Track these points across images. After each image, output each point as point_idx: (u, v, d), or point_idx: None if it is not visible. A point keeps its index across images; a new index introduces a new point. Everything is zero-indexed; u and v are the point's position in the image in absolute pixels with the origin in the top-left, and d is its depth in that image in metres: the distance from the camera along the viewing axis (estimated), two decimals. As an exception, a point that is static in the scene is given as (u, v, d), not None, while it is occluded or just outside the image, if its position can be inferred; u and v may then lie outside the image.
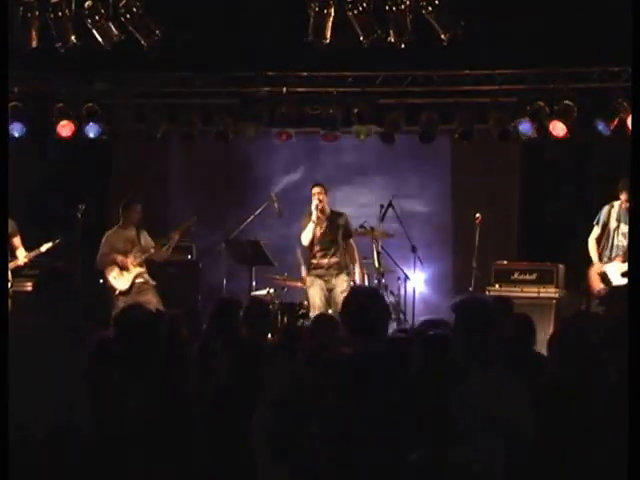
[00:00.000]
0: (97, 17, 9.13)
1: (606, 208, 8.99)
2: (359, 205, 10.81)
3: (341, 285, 9.51)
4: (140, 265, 9.74)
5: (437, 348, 4.29)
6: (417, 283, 10.19)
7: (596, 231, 8.96)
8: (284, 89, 10.61)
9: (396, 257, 10.09)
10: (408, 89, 10.52)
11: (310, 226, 9.51)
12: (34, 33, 9.23)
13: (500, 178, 11.36)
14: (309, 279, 9.69)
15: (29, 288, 8.23)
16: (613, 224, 8.90)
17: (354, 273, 9.72)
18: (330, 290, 9.53)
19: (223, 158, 11.83)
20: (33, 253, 9.49)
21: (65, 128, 10.61)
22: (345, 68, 10.42)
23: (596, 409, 4.30)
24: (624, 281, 8.71)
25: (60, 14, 9.18)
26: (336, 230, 9.62)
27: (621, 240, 8.84)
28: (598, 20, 9.21)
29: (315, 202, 9.52)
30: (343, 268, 9.61)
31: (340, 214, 9.73)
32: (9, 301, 8.62)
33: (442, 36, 9.03)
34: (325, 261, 9.58)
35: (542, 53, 9.83)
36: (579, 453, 4.17)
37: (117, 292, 9.67)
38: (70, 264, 9.48)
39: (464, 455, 3.83)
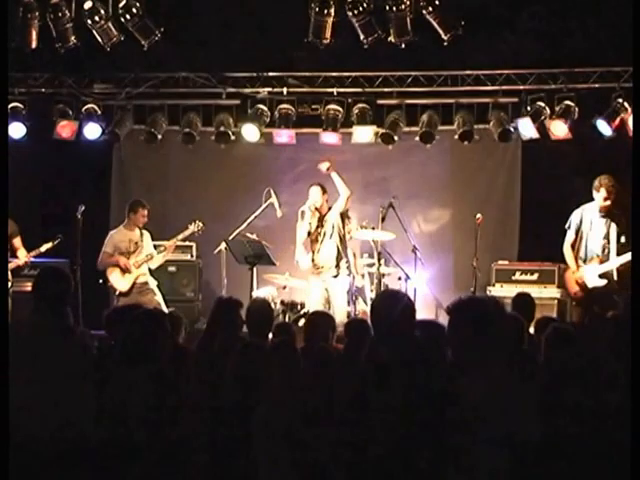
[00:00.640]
0: (97, 17, 9.14)
1: (577, 212, 8.94)
2: (359, 205, 10.79)
3: (339, 285, 9.54)
4: (142, 266, 9.75)
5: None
6: (418, 283, 10.18)
7: (570, 236, 8.91)
8: (284, 89, 10.61)
9: (397, 257, 10.09)
10: (408, 89, 10.52)
11: (305, 225, 9.51)
12: (34, 33, 9.24)
13: (500, 178, 11.36)
14: (309, 277, 9.70)
15: (29, 288, 8.22)
16: (586, 227, 8.85)
17: (352, 273, 9.76)
18: (328, 290, 9.53)
19: (223, 158, 11.81)
20: (33, 253, 9.50)
21: (65, 128, 10.61)
22: (345, 68, 10.42)
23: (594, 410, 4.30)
24: (601, 282, 8.70)
25: (60, 14, 9.19)
26: (332, 228, 9.64)
27: (595, 242, 8.81)
28: (598, 20, 9.22)
29: (311, 200, 9.53)
30: (341, 267, 9.63)
31: (332, 210, 9.71)
32: (9, 301, 8.69)
33: (442, 36, 9.03)
34: (322, 259, 9.59)
35: (542, 53, 9.84)
36: (581, 453, 4.17)
37: (117, 292, 9.68)
38: (70, 264, 9.52)
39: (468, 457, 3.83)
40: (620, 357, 4.65)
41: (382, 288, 9.76)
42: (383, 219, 9.83)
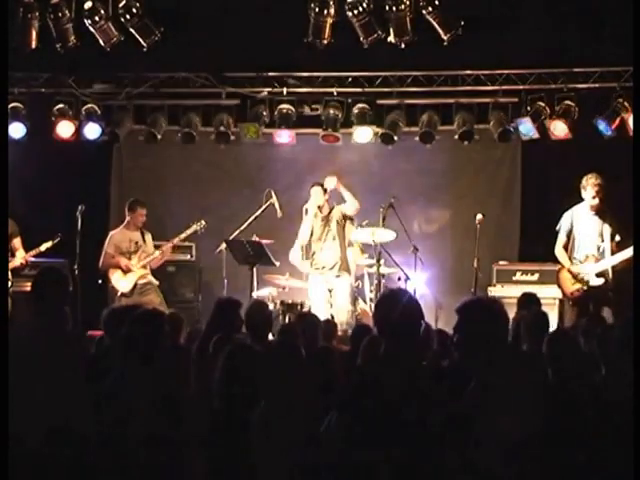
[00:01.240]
0: (97, 17, 9.14)
1: (568, 214, 8.93)
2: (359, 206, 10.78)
3: (342, 284, 9.54)
4: (144, 267, 9.76)
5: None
6: (418, 284, 10.17)
7: (562, 239, 8.91)
8: (284, 89, 10.60)
9: (397, 257, 10.08)
10: (408, 89, 10.52)
11: (308, 223, 9.52)
12: (34, 33, 9.24)
13: (500, 178, 11.35)
14: (311, 278, 9.71)
15: (29, 288, 8.22)
16: (577, 228, 8.85)
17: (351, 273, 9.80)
18: (330, 290, 9.54)
19: (223, 158, 11.81)
20: (33, 252, 9.50)
21: (65, 128, 10.61)
22: (345, 68, 10.41)
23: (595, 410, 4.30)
24: (599, 281, 8.70)
25: (60, 15, 9.19)
26: (334, 227, 9.64)
27: (589, 242, 8.81)
28: (598, 20, 9.22)
29: (311, 199, 9.54)
30: (343, 267, 9.63)
31: (336, 209, 9.73)
32: (9, 301, 8.69)
33: (442, 36, 9.02)
34: (325, 259, 9.60)
35: (542, 53, 9.83)
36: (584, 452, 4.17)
37: (119, 293, 9.68)
38: (69, 264, 9.51)
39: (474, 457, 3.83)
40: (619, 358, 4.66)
41: (382, 288, 9.76)
42: (383, 219, 9.84)
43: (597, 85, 10.11)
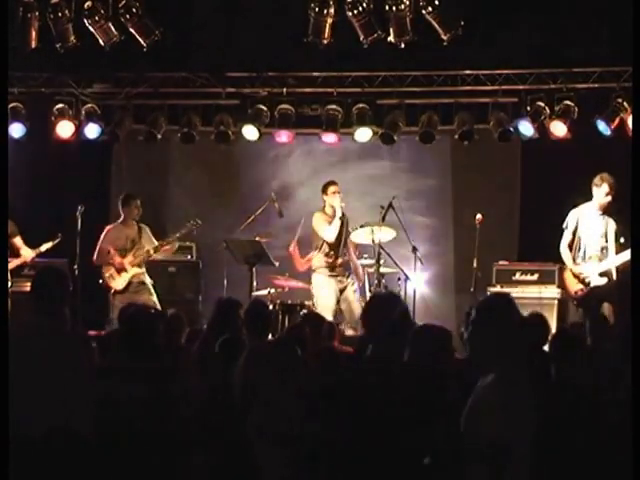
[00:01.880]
0: (97, 17, 9.14)
1: (574, 212, 8.96)
2: (360, 205, 10.79)
3: (352, 285, 9.73)
4: (139, 265, 9.74)
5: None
6: (418, 284, 10.17)
7: (567, 236, 8.93)
8: (284, 89, 10.60)
9: (396, 257, 10.08)
10: (408, 89, 10.51)
11: (337, 223, 9.59)
12: (34, 33, 9.24)
13: (500, 178, 11.35)
14: (322, 278, 9.69)
15: (28, 288, 8.22)
16: (583, 227, 8.87)
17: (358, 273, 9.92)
18: (342, 290, 9.62)
19: (223, 158, 11.82)
20: (34, 252, 9.49)
21: (65, 128, 10.60)
22: (345, 68, 10.41)
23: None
24: (602, 281, 8.71)
25: (60, 14, 9.18)
26: (345, 230, 9.75)
27: (593, 242, 8.82)
28: (598, 20, 9.22)
29: (337, 200, 9.58)
30: (349, 268, 9.80)
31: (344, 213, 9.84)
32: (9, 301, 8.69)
33: (442, 36, 9.02)
34: (340, 260, 9.70)
35: (542, 53, 9.83)
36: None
37: (113, 290, 9.68)
38: (69, 264, 9.51)
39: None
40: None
41: (382, 288, 9.77)
42: (383, 219, 9.84)
43: (596, 85, 10.10)
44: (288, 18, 9.32)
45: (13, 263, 9.33)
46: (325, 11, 8.94)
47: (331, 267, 9.74)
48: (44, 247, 9.53)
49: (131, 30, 9.22)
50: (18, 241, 9.44)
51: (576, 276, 8.84)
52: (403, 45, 9.02)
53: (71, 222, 9.71)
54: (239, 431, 4.46)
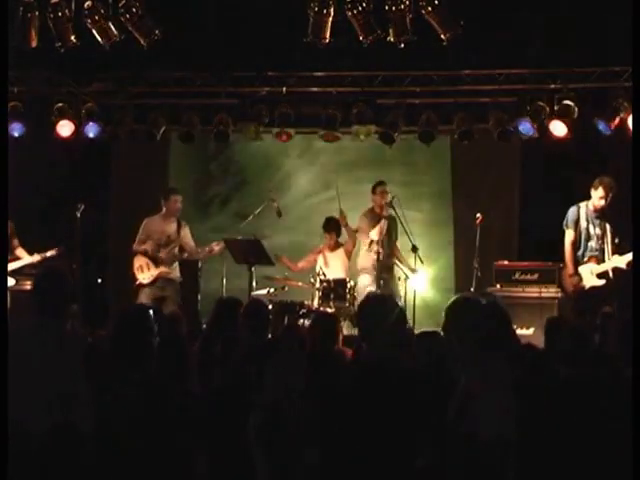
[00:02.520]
0: (97, 17, 9.11)
1: (573, 209, 8.98)
2: (360, 205, 10.79)
3: (391, 283, 9.84)
4: (170, 263, 9.63)
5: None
6: (418, 283, 10.18)
7: (571, 235, 8.95)
8: (284, 89, 10.60)
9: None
10: (408, 89, 10.51)
11: (383, 224, 9.66)
12: (34, 33, 9.22)
13: (500, 178, 11.36)
14: (369, 279, 9.74)
15: (28, 287, 8.24)
16: (583, 224, 8.90)
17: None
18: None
19: (223, 158, 11.83)
20: (38, 257, 9.46)
21: (65, 128, 10.61)
22: (345, 68, 10.41)
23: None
24: (599, 282, 8.72)
25: (60, 14, 9.16)
26: (394, 230, 9.84)
27: (591, 241, 8.84)
28: (598, 20, 9.21)
29: (384, 201, 9.59)
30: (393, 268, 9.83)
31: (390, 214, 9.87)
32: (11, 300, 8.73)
33: (442, 36, 9.01)
34: (388, 261, 9.78)
35: (542, 53, 9.83)
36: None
37: (138, 282, 9.63)
38: (69, 264, 9.51)
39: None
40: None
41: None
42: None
43: (596, 85, 10.11)
44: (288, 18, 9.31)
45: (18, 264, 9.34)
46: (325, 11, 8.92)
47: (378, 268, 9.69)
48: (49, 253, 9.49)
49: (131, 30, 9.21)
50: (15, 242, 9.44)
51: (573, 276, 8.85)
52: (403, 45, 9.00)
53: (71, 221, 9.70)
54: (239, 432, 4.46)
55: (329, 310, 9.36)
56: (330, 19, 8.91)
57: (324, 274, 10.00)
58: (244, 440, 4.38)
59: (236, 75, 10.60)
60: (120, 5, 9.09)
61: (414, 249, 9.86)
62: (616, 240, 8.76)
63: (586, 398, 4.41)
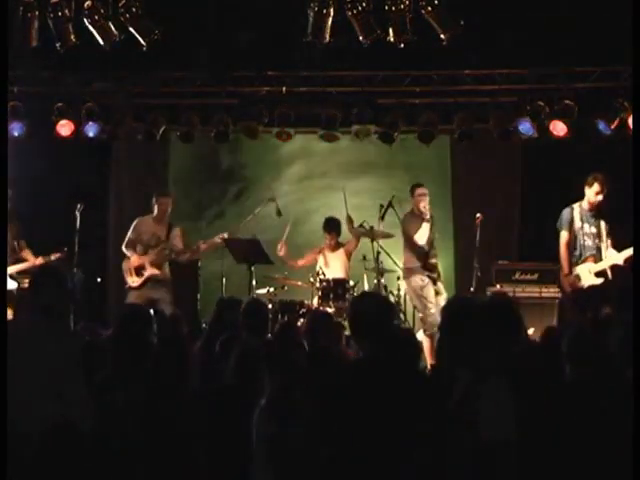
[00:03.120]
0: (97, 17, 9.12)
1: (567, 210, 8.98)
2: (359, 205, 10.79)
3: (443, 290, 9.64)
4: (159, 266, 9.60)
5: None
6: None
7: (565, 236, 8.95)
8: (284, 89, 10.60)
9: (396, 257, 10.09)
10: (407, 89, 10.51)
11: (426, 226, 9.49)
12: (34, 33, 9.22)
13: (500, 178, 11.35)
14: (420, 278, 9.60)
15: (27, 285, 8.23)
16: (577, 225, 8.90)
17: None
18: (437, 293, 9.58)
19: (222, 157, 11.83)
20: (41, 260, 9.44)
21: (65, 128, 10.61)
22: (345, 68, 10.41)
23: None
24: (597, 281, 8.73)
25: (60, 14, 9.16)
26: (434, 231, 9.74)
27: (587, 241, 8.85)
28: (598, 20, 9.21)
29: (424, 202, 9.54)
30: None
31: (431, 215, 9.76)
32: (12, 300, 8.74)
33: (442, 36, 9.01)
34: (434, 261, 9.67)
35: (542, 53, 9.83)
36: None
37: (127, 285, 9.62)
38: (68, 264, 9.50)
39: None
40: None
41: (381, 288, 9.77)
42: (382, 218, 9.84)
43: (596, 85, 10.11)
44: (288, 18, 9.31)
45: (21, 267, 9.34)
46: (325, 11, 8.92)
47: (430, 269, 9.65)
48: (54, 256, 9.46)
49: (131, 30, 9.21)
50: (22, 243, 9.43)
51: (571, 277, 8.86)
52: (403, 45, 9.01)
53: (70, 221, 9.70)
54: (240, 431, 4.46)
55: (328, 310, 9.35)
56: (330, 19, 8.91)
57: (324, 274, 10.00)
58: (245, 440, 4.38)
59: (236, 75, 10.59)
60: (120, 5, 9.09)
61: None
62: (609, 240, 8.80)
63: (586, 398, 4.41)
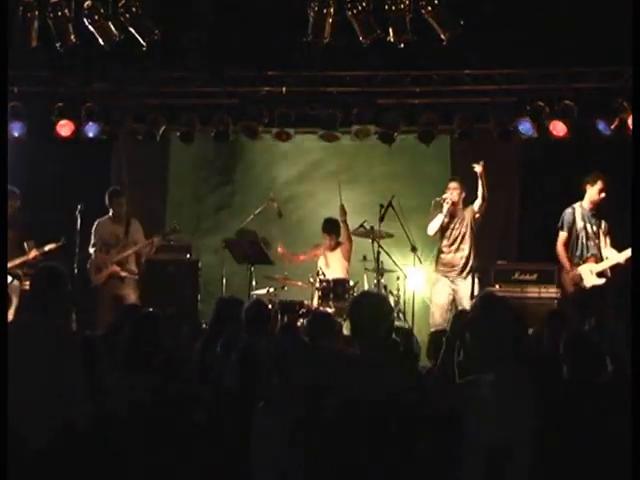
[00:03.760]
0: (96, 17, 9.12)
1: (569, 211, 8.99)
2: (359, 205, 10.79)
3: (466, 288, 9.45)
4: (119, 263, 9.63)
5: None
6: (417, 283, 10.17)
7: (563, 235, 8.97)
8: (284, 89, 10.59)
9: (396, 257, 10.09)
10: (407, 89, 10.51)
11: (439, 217, 9.47)
12: (34, 33, 9.22)
13: (500, 178, 11.34)
14: (435, 277, 9.59)
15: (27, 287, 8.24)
16: (579, 225, 8.91)
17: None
18: (455, 291, 9.49)
19: (222, 158, 11.83)
20: (36, 252, 9.46)
21: (65, 128, 10.61)
22: (345, 68, 10.41)
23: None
24: (600, 281, 8.73)
25: (60, 14, 9.17)
26: (466, 226, 9.58)
27: (589, 241, 8.86)
28: (598, 20, 9.21)
29: (446, 195, 9.51)
30: (471, 269, 9.53)
31: (469, 211, 9.63)
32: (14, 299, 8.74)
33: (442, 36, 9.02)
34: (450, 257, 9.56)
35: (542, 53, 9.83)
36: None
37: (92, 285, 9.67)
38: (68, 263, 9.50)
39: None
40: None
41: (380, 288, 9.77)
42: (382, 218, 9.84)
43: (596, 85, 10.11)
44: (288, 17, 9.31)
45: (15, 261, 9.33)
46: (325, 10, 8.93)
47: (444, 264, 9.64)
48: (47, 247, 9.48)
49: (131, 30, 9.21)
50: (30, 244, 9.43)
51: (573, 277, 8.86)
52: (403, 45, 9.01)
53: (71, 221, 9.70)
54: (241, 432, 4.46)
55: (328, 310, 9.35)
56: (330, 19, 8.92)
57: (324, 274, 10.00)
58: (245, 440, 4.38)
59: (236, 75, 10.59)
60: (120, 5, 9.09)
61: (413, 249, 9.84)
62: (607, 240, 8.81)
63: (587, 398, 4.41)
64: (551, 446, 4.05)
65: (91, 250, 9.72)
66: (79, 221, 9.63)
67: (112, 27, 9.19)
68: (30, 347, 4.57)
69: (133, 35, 9.21)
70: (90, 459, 4.41)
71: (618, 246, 8.84)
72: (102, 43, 9.24)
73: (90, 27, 9.18)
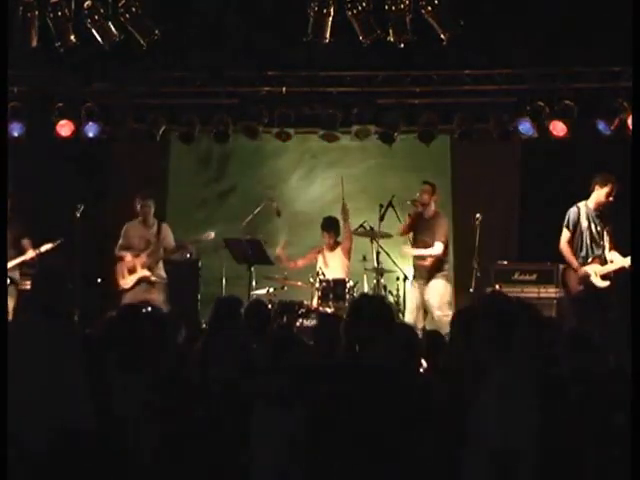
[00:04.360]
0: (96, 17, 9.13)
1: (574, 210, 8.94)
2: (359, 204, 10.79)
3: (435, 288, 9.49)
4: (150, 266, 9.62)
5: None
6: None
7: (566, 234, 8.90)
8: (283, 89, 10.60)
9: (395, 257, 10.09)
10: (407, 89, 10.52)
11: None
12: (34, 32, 9.23)
13: (500, 178, 11.35)
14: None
15: (28, 286, 8.22)
16: (584, 225, 8.86)
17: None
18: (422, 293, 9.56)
19: (222, 157, 11.83)
20: (33, 253, 9.45)
21: (65, 128, 10.61)
22: (345, 68, 10.41)
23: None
24: (604, 284, 8.69)
25: (60, 14, 9.17)
26: (429, 231, 9.61)
27: (593, 242, 8.83)
28: (598, 20, 9.22)
29: (416, 196, 9.57)
30: (436, 270, 9.55)
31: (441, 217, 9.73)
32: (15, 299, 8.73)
33: (442, 36, 9.02)
34: (418, 262, 9.60)
35: (542, 53, 9.83)
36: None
37: (120, 288, 9.64)
38: (68, 264, 9.50)
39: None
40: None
41: (380, 288, 9.77)
42: (382, 218, 9.84)
43: (596, 85, 10.11)
44: (288, 17, 9.32)
45: (14, 261, 9.32)
46: (325, 10, 8.94)
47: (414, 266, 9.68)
48: (44, 247, 9.47)
49: (131, 29, 9.22)
50: (26, 242, 9.42)
51: (580, 277, 8.83)
52: (403, 45, 9.01)
53: (71, 221, 9.70)
54: (240, 431, 4.46)
55: (329, 310, 9.36)
56: (330, 19, 8.92)
57: (323, 274, 10.00)
58: (245, 439, 4.38)
59: (236, 75, 10.59)
60: (120, 5, 9.10)
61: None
62: (609, 241, 8.79)
63: (587, 399, 4.41)
64: (553, 446, 4.05)
65: (119, 253, 9.70)
66: (79, 221, 9.62)
67: (112, 27, 9.19)
68: (30, 347, 4.58)
69: (133, 35, 9.21)
70: (90, 459, 4.41)
71: (618, 246, 8.81)
72: (102, 43, 9.24)
73: (90, 27, 9.19)
